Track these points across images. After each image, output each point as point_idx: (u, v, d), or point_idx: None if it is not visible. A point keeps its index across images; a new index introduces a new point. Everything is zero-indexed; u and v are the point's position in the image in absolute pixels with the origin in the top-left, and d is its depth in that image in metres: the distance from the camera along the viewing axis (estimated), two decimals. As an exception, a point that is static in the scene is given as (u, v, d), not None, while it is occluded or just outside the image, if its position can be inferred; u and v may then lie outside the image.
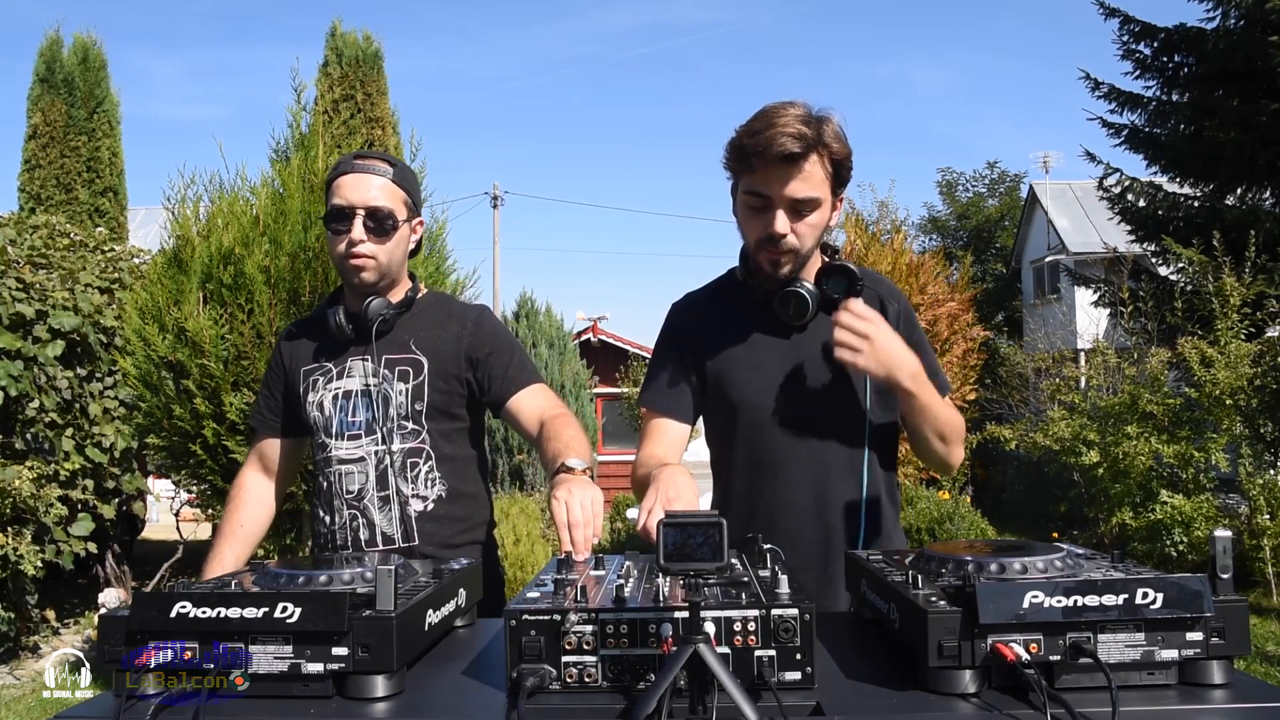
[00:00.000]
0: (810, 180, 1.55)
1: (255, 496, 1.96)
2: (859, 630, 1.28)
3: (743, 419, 1.71)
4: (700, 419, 1.83)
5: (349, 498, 1.83)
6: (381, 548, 1.81)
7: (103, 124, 11.89)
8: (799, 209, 1.57)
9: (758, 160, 1.54)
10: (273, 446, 1.98)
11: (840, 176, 1.60)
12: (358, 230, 1.76)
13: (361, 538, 1.82)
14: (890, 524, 1.74)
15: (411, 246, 1.91)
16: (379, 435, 1.81)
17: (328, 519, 1.86)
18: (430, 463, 1.83)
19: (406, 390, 1.81)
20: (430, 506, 1.83)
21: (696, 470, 1.53)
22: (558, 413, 1.80)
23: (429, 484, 1.83)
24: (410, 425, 1.82)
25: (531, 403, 1.84)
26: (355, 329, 1.83)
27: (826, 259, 1.72)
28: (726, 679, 0.88)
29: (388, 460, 1.81)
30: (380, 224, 1.78)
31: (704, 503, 1.44)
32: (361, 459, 1.82)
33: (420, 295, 1.93)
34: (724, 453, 1.77)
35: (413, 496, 1.82)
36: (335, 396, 1.85)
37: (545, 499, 1.69)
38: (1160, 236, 10.38)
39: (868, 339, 1.52)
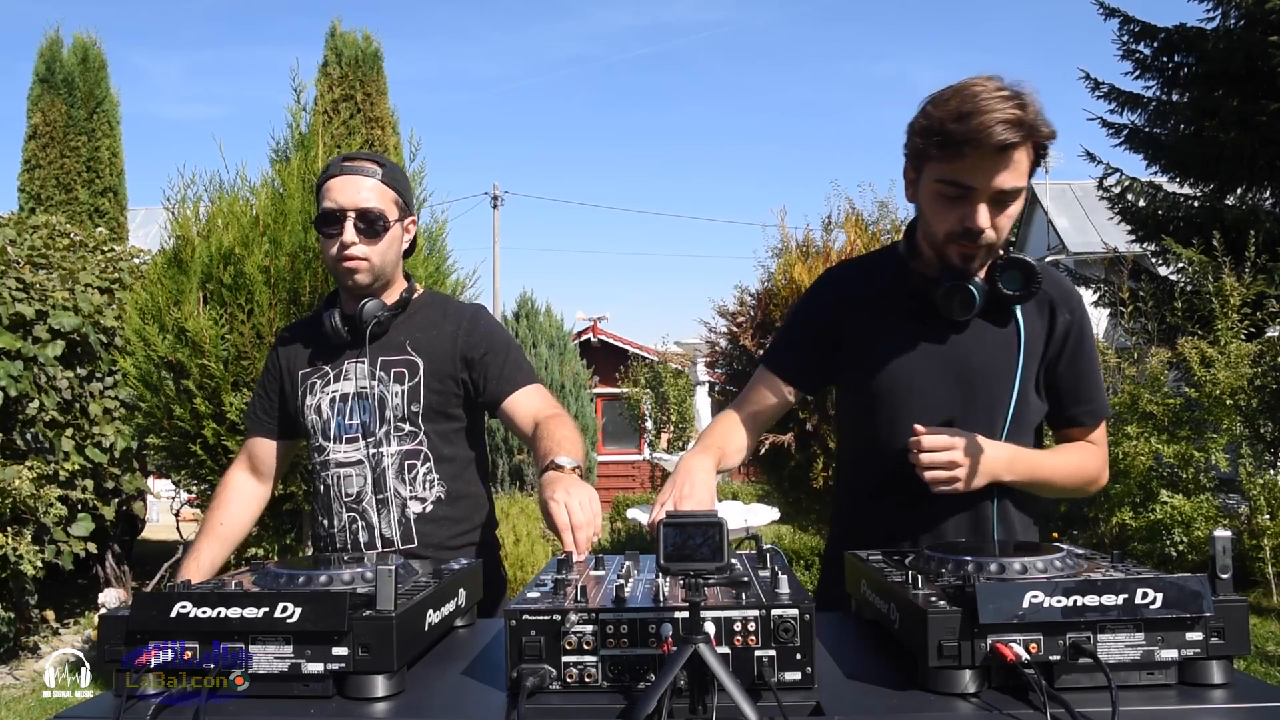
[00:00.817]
0: (1019, 170, 1.42)
1: (240, 496, 1.95)
2: (859, 630, 1.28)
3: (881, 409, 1.60)
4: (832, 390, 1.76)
5: (347, 500, 1.83)
6: (381, 549, 1.80)
7: (103, 124, 11.88)
8: (1002, 200, 1.44)
9: (969, 148, 1.38)
10: (264, 447, 1.97)
11: (1038, 161, 1.46)
12: (349, 233, 1.76)
13: (361, 540, 1.82)
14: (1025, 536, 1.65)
15: (405, 246, 1.90)
16: (375, 438, 1.81)
17: (326, 522, 1.87)
18: (428, 464, 1.83)
19: (402, 392, 1.81)
20: (429, 508, 1.83)
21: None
22: (552, 413, 1.78)
23: (427, 485, 1.83)
24: (407, 427, 1.82)
25: (527, 403, 1.82)
26: (350, 331, 1.83)
27: (1001, 251, 1.56)
28: (726, 679, 0.88)
29: (385, 463, 1.81)
30: (371, 225, 1.77)
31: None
32: (359, 462, 1.82)
33: (416, 295, 1.93)
34: (854, 438, 1.70)
35: (411, 498, 1.82)
36: (332, 399, 1.84)
37: (538, 497, 1.69)
38: (1160, 236, 10.37)
39: (955, 465, 1.45)
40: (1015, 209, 1.47)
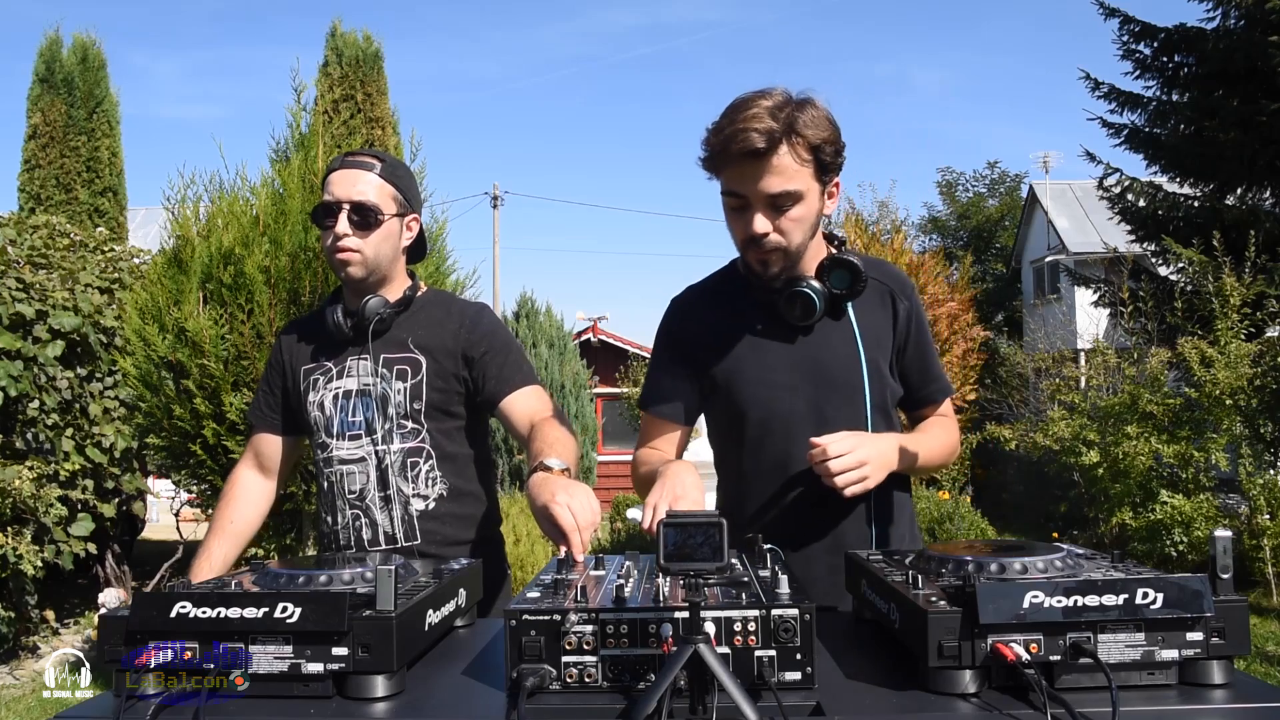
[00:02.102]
0: (783, 173, 1.46)
1: (248, 494, 1.95)
2: (859, 630, 1.28)
3: (751, 422, 1.65)
4: (701, 419, 1.80)
5: (351, 498, 1.83)
6: (385, 547, 1.81)
7: (102, 124, 11.89)
8: (778, 204, 1.49)
9: (725, 159, 1.47)
10: (270, 443, 1.97)
11: (823, 163, 1.50)
12: (342, 224, 1.77)
13: (364, 538, 1.82)
14: (903, 524, 1.70)
15: (406, 244, 1.90)
16: (378, 435, 1.82)
17: (330, 519, 1.87)
18: (431, 462, 1.83)
19: (405, 389, 1.81)
20: (432, 505, 1.83)
21: (702, 470, 1.52)
22: (548, 414, 1.79)
23: (430, 483, 1.83)
24: (410, 424, 1.82)
25: (524, 404, 1.82)
26: (353, 328, 1.83)
27: (833, 250, 1.64)
28: (726, 679, 0.88)
29: (388, 460, 1.81)
30: (364, 217, 1.78)
31: (709, 503, 1.42)
32: (362, 459, 1.82)
33: (420, 293, 1.93)
34: (730, 456, 1.72)
35: (414, 496, 1.82)
36: (335, 396, 1.85)
37: (529, 498, 1.68)
38: (1160, 236, 10.38)
39: (863, 464, 1.45)
40: (799, 211, 1.50)
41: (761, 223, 1.50)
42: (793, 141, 1.45)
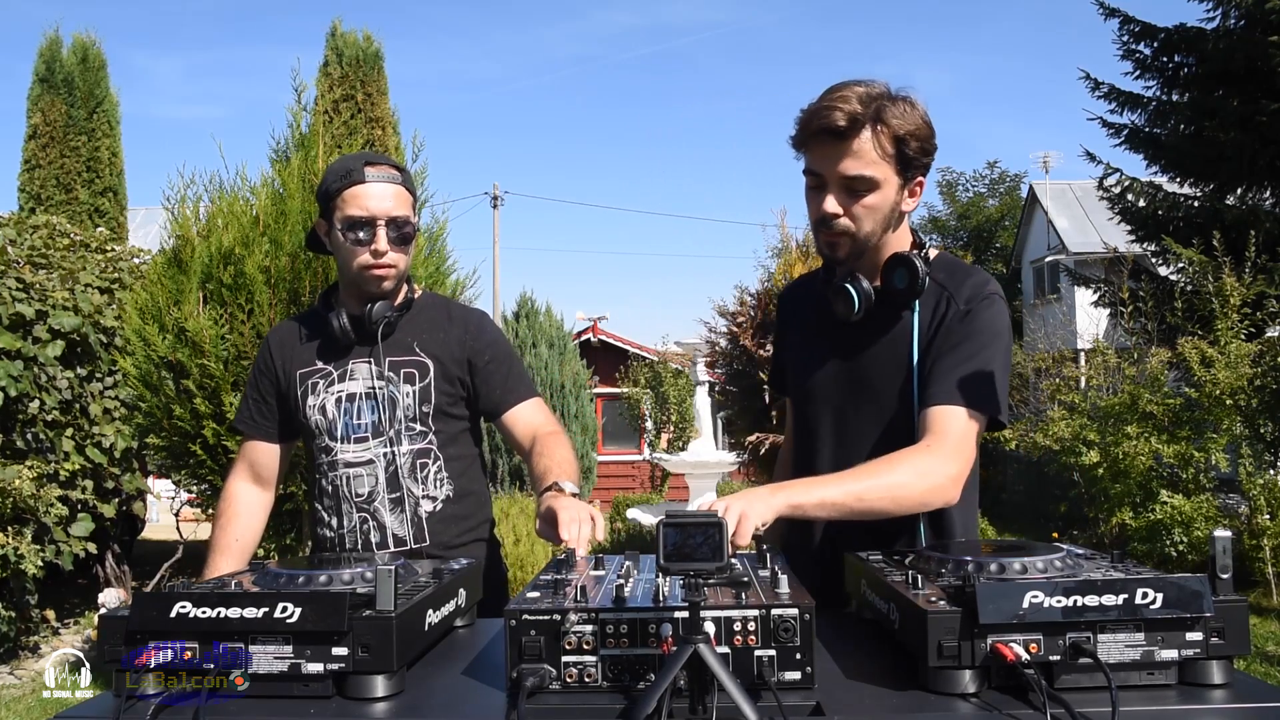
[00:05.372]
0: (862, 158, 1.46)
1: (247, 508, 1.92)
2: (859, 630, 1.28)
3: (802, 410, 1.70)
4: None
5: (358, 501, 1.82)
6: (393, 549, 1.80)
7: (102, 124, 11.88)
8: (853, 188, 1.48)
9: (808, 135, 1.49)
10: (265, 451, 1.94)
11: (906, 157, 1.48)
12: (382, 241, 1.75)
13: (373, 541, 1.81)
14: (962, 522, 1.57)
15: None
16: (386, 438, 1.81)
17: (335, 522, 1.84)
18: (439, 463, 1.84)
19: (414, 392, 1.81)
20: (439, 507, 1.83)
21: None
22: (552, 430, 1.84)
23: (438, 484, 1.83)
24: (418, 427, 1.82)
25: (528, 417, 1.87)
26: (357, 331, 1.82)
27: (914, 250, 1.58)
28: (726, 679, 0.88)
29: (398, 462, 1.81)
30: (401, 233, 1.78)
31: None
32: (370, 461, 1.81)
33: (417, 296, 1.93)
34: (795, 441, 1.78)
35: (423, 497, 1.82)
36: (339, 399, 1.83)
37: (537, 507, 1.75)
38: (1160, 236, 10.38)
39: (729, 511, 1.25)
40: (873, 199, 1.49)
41: (833, 204, 1.50)
42: (877, 129, 1.46)
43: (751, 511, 1.26)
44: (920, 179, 1.55)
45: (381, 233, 1.75)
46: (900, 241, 1.59)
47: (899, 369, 1.56)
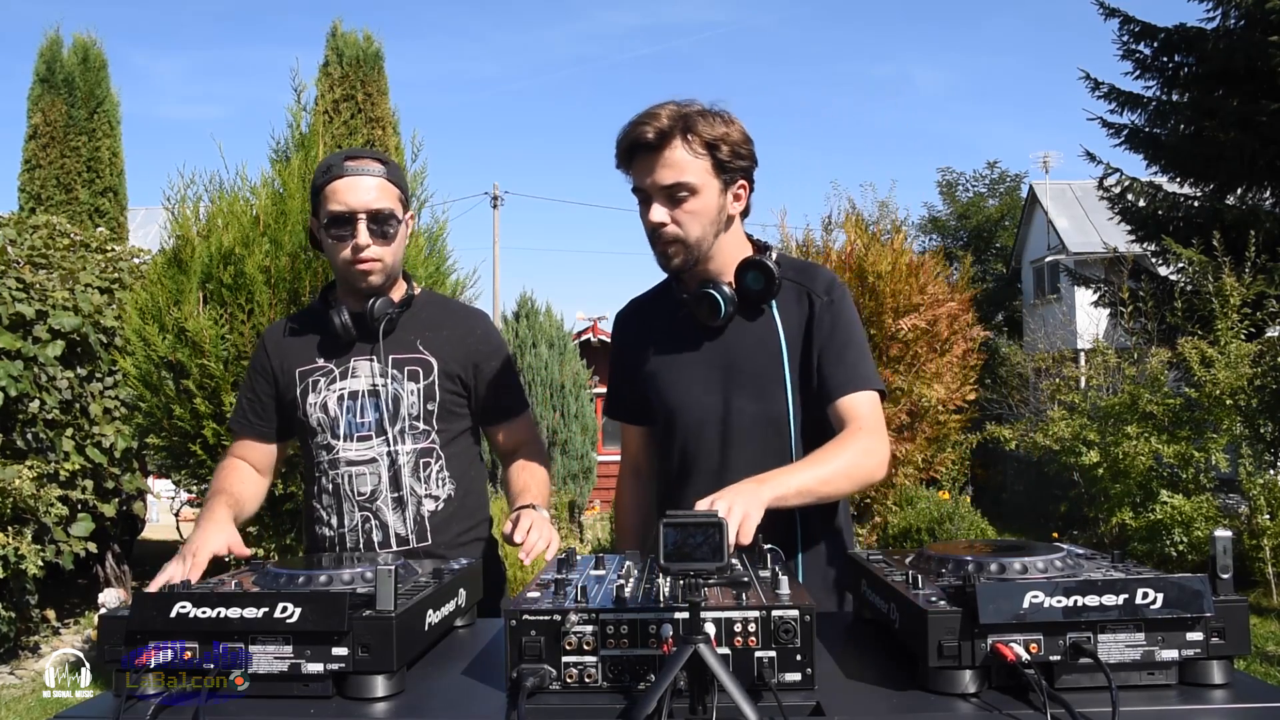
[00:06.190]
0: (674, 166, 1.53)
1: (247, 471, 1.88)
2: (859, 630, 1.28)
3: (676, 423, 1.70)
4: None
5: (360, 499, 1.80)
6: (395, 548, 1.79)
7: (103, 124, 11.88)
8: (673, 195, 1.55)
9: (625, 153, 1.57)
10: (258, 450, 1.91)
11: (720, 161, 1.56)
12: (363, 235, 1.74)
13: (375, 540, 1.79)
14: (837, 519, 1.71)
15: (407, 241, 1.90)
16: (389, 436, 1.80)
17: (334, 521, 1.82)
18: (441, 462, 1.83)
19: (418, 391, 1.80)
20: (441, 506, 1.83)
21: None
22: (536, 446, 1.95)
23: (440, 483, 1.83)
24: (421, 425, 1.81)
25: (517, 430, 1.95)
26: (359, 329, 1.81)
27: (753, 254, 1.66)
28: (727, 679, 0.88)
29: (401, 461, 1.80)
30: (383, 226, 1.76)
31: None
32: (372, 460, 1.80)
33: (417, 294, 1.93)
34: (661, 458, 1.77)
35: (426, 496, 1.81)
36: (340, 397, 1.81)
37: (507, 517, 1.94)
38: (1160, 236, 10.38)
39: (733, 509, 1.28)
40: (695, 205, 1.56)
41: (659, 214, 1.56)
42: (687, 138, 1.54)
43: (752, 510, 1.29)
44: (742, 182, 1.63)
45: (362, 227, 1.74)
46: (736, 246, 1.67)
47: (771, 362, 1.64)
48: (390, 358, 1.81)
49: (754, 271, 1.62)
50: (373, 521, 1.80)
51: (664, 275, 1.73)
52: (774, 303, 1.66)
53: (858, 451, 1.52)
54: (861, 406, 1.59)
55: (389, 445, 1.80)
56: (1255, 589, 6.66)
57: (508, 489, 1.88)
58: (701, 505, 1.29)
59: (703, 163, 1.55)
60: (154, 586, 1.33)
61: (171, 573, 1.45)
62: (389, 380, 1.80)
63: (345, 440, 1.81)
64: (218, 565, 1.51)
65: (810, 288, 1.67)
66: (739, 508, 1.28)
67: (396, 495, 1.80)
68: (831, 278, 1.71)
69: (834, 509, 1.71)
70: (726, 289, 1.62)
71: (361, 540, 1.80)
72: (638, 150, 1.55)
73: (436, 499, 1.82)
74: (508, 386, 1.92)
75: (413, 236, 3.94)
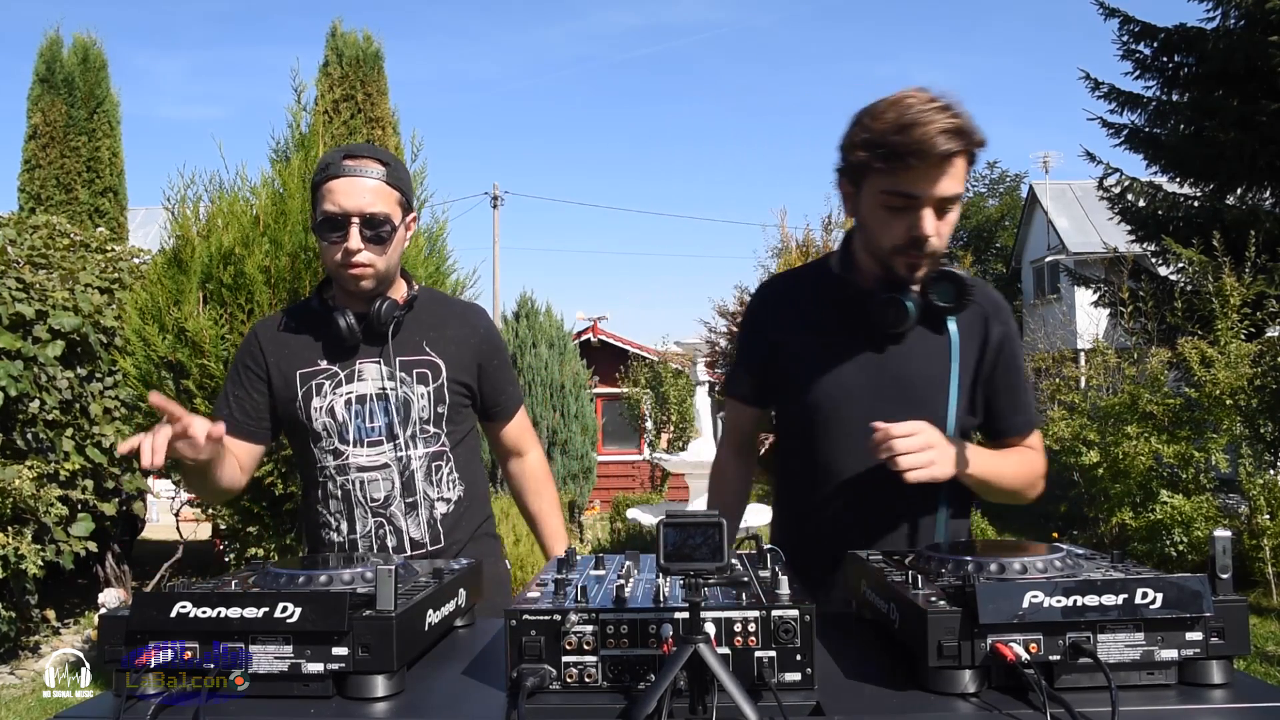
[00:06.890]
0: (958, 177, 1.46)
1: (233, 463, 1.74)
2: (859, 630, 1.28)
3: (819, 424, 1.62)
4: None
5: (374, 505, 1.76)
6: (411, 553, 1.76)
7: (103, 124, 11.87)
8: (944, 207, 1.48)
9: (915, 159, 1.42)
10: (243, 450, 1.79)
11: (971, 168, 1.51)
12: (354, 240, 1.67)
13: (389, 546, 1.76)
14: (968, 523, 1.71)
15: (406, 244, 1.86)
16: (401, 440, 1.76)
17: (344, 527, 1.77)
18: (450, 464, 1.81)
19: (428, 393, 1.77)
20: (453, 508, 1.81)
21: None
22: (538, 455, 2.03)
23: (451, 485, 1.81)
24: (432, 429, 1.78)
25: (516, 424, 1.98)
26: (365, 331, 1.76)
27: (943, 263, 1.58)
28: (727, 679, 0.88)
29: (413, 465, 1.77)
30: (377, 231, 1.69)
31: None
32: (385, 465, 1.76)
33: (416, 293, 1.91)
34: (790, 456, 1.70)
35: (438, 499, 1.79)
36: (348, 401, 1.76)
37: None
38: (1160, 236, 10.38)
39: (930, 446, 1.39)
40: (954, 216, 1.51)
41: (931, 224, 1.47)
42: (969, 147, 1.46)
43: (945, 460, 1.41)
44: None
45: (354, 231, 1.67)
46: None
47: (940, 381, 1.58)
48: (397, 360, 1.77)
49: (946, 285, 1.53)
50: (387, 527, 1.77)
51: (809, 263, 1.74)
52: (954, 319, 1.58)
53: (1036, 476, 1.65)
54: (1035, 442, 1.69)
55: (401, 450, 1.76)
56: (1255, 589, 6.66)
57: (532, 522, 2.03)
58: (897, 429, 1.38)
59: (968, 171, 1.49)
60: (123, 449, 1.35)
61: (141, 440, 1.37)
62: (398, 384, 1.77)
63: (355, 445, 1.76)
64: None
65: (989, 310, 1.62)
66: (947, 451, 1.40)
67: (410, 500, 1.77)
68: (1003, 301, 1.67)
69: (969, 514, 1.71)
70: (916, 297, 1.54)
71: (375, 546, 1.76)
72: (924, 155, 1.41)
73: (449, 501, 1.81)
74: (508, 382, 1.92)
75: (413, 236, 3.95)
